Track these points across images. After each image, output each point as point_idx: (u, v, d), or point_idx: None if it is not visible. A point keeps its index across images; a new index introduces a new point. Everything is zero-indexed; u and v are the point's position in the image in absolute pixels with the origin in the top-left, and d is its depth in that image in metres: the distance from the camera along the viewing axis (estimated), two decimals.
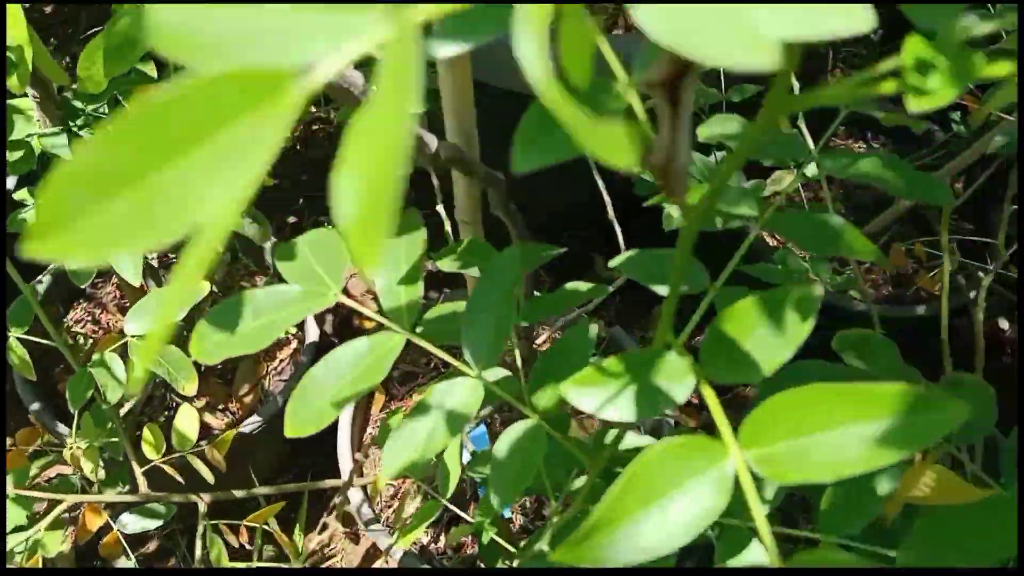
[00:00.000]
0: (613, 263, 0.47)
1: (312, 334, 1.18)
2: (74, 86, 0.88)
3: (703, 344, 0.33)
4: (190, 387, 0.82)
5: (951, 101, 0.21)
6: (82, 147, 0.14)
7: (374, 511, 1.03)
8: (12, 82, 0.71)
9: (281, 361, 1.20)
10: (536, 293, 1.15)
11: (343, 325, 1.38)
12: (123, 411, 1.05)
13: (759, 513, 0.28)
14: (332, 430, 1.08)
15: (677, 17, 0.16)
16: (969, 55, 0.22)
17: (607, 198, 0.91)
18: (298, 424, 0.44)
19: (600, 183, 0.94)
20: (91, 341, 1.11)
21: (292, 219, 1.53)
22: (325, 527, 1.25)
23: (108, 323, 1.19)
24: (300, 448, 1.24)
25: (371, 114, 0.13)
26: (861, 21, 0.17)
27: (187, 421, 0.86)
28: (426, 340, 0.64)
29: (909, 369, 0.65)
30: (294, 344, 1.21)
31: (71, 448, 0.90)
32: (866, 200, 1.33)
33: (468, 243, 0.64)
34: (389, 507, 1.10)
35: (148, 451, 0.85)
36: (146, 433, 0.85)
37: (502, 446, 0.48)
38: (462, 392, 0.44)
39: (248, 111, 0.14)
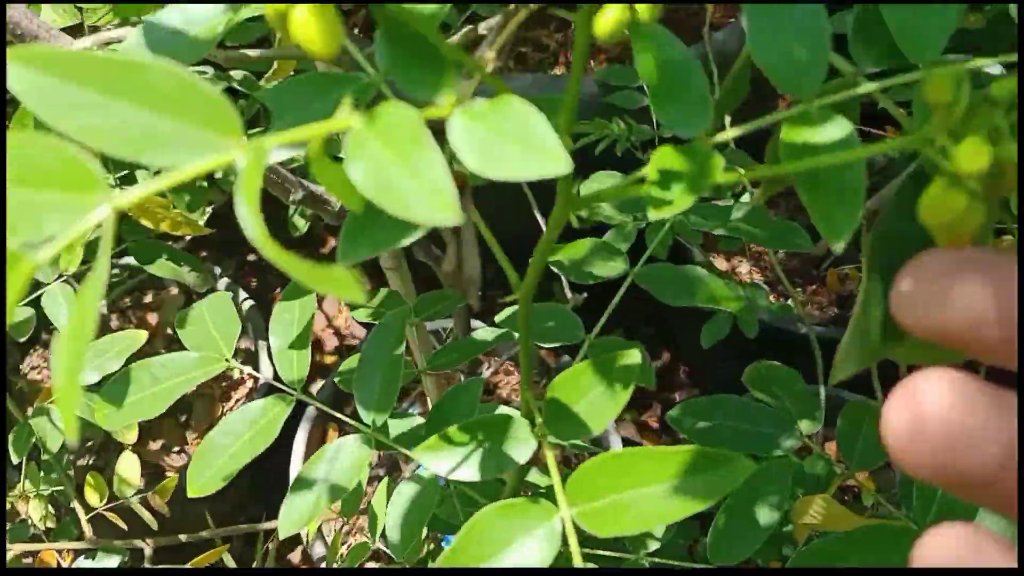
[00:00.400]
0: (499, 318, 0.49)
1: (266, 373, 1.20)
2: None
3: (545, 407, 0.35)
4: (130, 436, 0.84)
5: (688, 207, 0.24)
6: None
7: (327, 548, 1.05)
8: None
9: (237, 401, 1.22)
10: (483, 326, 1.18)
11: None
12: (77, 454, 1.06)
13: (578, 559, 0.31)
14: (287, 467, 1.10)
15: (378, 175, 0.18)
16: (711, 163, 0.25)
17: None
18: (199, 485, 0.46)
19: (539, 217, 0.97)
20: (45, 387, 1.12)
21: (252, 257, 1.56)
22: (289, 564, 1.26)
23: None
24: (258, 486, 1.26)
25: (76, 303, 0.16)
26: (559, 167, 0.20)
27: (128, 468, 0.88)
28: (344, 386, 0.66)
29: (813, 399, 0.68)
30: (249, 383, 1.23)
31: (20, 495, 0.91)
32: (808, 223, 1.37)
33: (387, 294, 0.67)
34: (343, 543, 1.12)
35: (91, 498, 0.87)
36: (89, 481, 0.87)
37: (398, 498, 0.50)
38: (351, 448, 0.46)
39: None
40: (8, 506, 0.98)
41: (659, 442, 1.21)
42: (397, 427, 0.56)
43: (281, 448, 1.05)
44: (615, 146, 1.02)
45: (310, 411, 1.07)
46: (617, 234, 0.82)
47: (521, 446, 0.34)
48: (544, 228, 0.95)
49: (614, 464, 0.30)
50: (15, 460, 0.85)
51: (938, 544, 0.19)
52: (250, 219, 0.17)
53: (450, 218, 0.18)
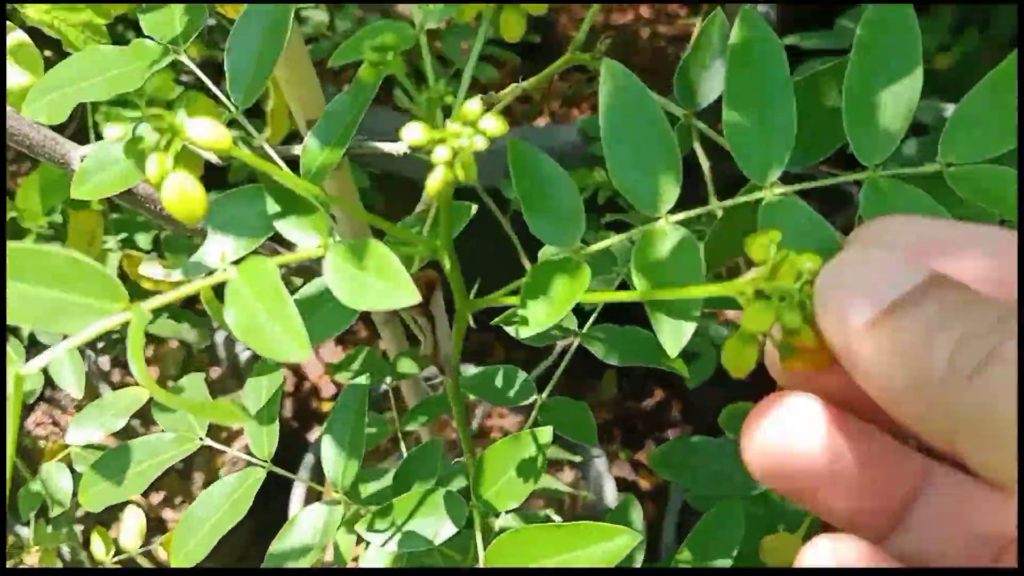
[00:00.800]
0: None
1: None
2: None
3: (473, 480, 0.38)
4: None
5: (552, 324, 0.27)
6: None
7: None
8: None
9: (238, 450, 1.25)
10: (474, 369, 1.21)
11: (302, 408, 1.43)
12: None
13: None
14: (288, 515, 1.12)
15: (249, 319, 0.21)
16: (578, 279, 0.28)
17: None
18: (184, 556, 0.50)
19: (526, 263, 1.00)
20: (51, 443, 1.16)
21: None
22: None
23: (67, 424, 1.24)
24: (261, 534, 1.28)
25: None
26: (410, 299, 0.23)
27: (132, 523, 0.91)
28: None
29: None
30: (241, 440, 1.26)
31: (29, 552, 0.95)
32: None
33: (364, 353, 0.70)
34: None
35: (98, 553, 0.90)
36: (94, 537, 0.90)
37: (370, 554, 0.53)
38: (322, 513, 0.49)
39: None
40: (19, 562, 1.01)
41: (653, 480, 1.23)
42: (371, 486, 0.59)
43: (282, 496, 1.08)
44: (598, 194, 1.05)
45: (308, 459, 1.10)
46: (602, 281, 0.85)
47: (445, 522, 0.37)
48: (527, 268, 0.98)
49: (526, 537, 0.33)
50: (23, 519, 0.88)
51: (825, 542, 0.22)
52: (136, 368, 0.21)
53: (303, 357, 0.21)
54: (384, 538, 0.38)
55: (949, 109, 0.94)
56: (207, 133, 0.20)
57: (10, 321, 0.20)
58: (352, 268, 0.23)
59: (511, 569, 0.33)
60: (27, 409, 1.30)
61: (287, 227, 0.26)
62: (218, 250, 0.33)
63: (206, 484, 1.20)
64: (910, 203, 0.27)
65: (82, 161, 0.42)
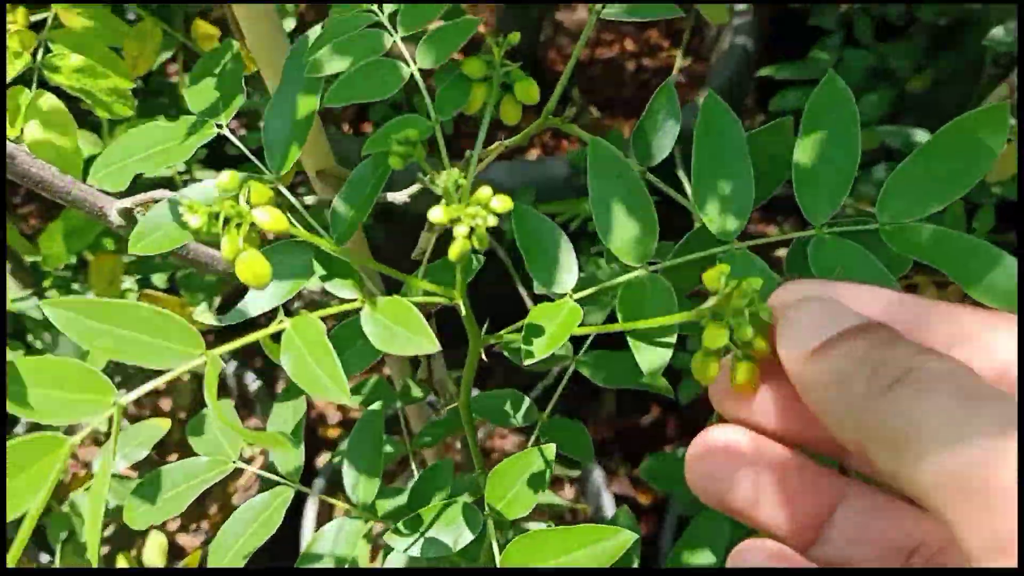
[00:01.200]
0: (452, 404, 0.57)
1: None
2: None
3: (486, 493, 0.43)
4: None
5: (549, 353, 0.32)
6: None
7: None
8: None
9: (249, 478, 1.29)
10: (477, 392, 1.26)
11: (310, 435, 1.47)
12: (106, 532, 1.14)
13: None
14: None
15: (300, 364, 0.26)
16: (570, 318, 0.33)
17: (528, 301, 1.03)
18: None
19: (523, 292, 1.05)
20: (71, 475, 1.21)
21: None
22: None
23: (86, 457, 1.29)
24: (277, 554, 1.33)
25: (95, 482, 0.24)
26: (431, 347, 0.28)
27: (154, 548, 0.96)
28: None
29: None
30: (260, 460, 1.30)
31: None
32: None
33: (375, 382, 0.75)
34: None
35: None
36: (119, 560, 0.95)
37: (388, 561, 0.58)
38: (344, 528, 0.54)
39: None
40: None
41: (652, 495, 1.28)
42: (387, 503, 0.63)
43: (297, 515, 1.13)
44: (588, 223, 1.10)
45: (318, 482, 1.15)
46: (596, 304, 0.90)
47: (464, 530, 0.42)
48: (527, 299, 1.03)
49: (538, 539, 0.38)
50: (52, 541, 0.93)
51: (753, 547, 0.27)
52: (210, 401, 0.26)
53: (344, 398, 0.26)
54: (407, 544, 0.42)
55: (918, 134, 0.99)
56: (269, 218, 0.25)
57: (114, 358, 0.26)
58: (384, 319, 0.28)
59: (513, 569, 0.38)
60: None
61: (331, 287, 0.31)
62: (261, 298, 0.38)
63: (220, 510, 1.25)
64: (850, 255, 0.32)
65: (119, 213, 0.46)
